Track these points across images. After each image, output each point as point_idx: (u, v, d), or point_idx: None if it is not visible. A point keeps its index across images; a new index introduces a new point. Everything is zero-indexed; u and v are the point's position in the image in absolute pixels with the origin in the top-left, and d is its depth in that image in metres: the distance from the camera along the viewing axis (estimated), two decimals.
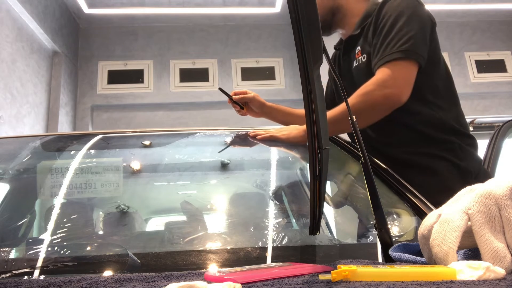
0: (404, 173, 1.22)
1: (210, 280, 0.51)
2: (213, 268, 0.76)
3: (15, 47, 3.87)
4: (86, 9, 5.03)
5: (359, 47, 1.40)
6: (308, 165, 0.63)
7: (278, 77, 5.40)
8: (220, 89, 1.61)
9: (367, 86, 1.21)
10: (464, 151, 1.31)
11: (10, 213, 1.31)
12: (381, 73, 1.21)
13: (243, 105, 1.60)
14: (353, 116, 0.82)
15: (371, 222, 0.92)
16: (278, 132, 1.33)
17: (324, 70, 0.80)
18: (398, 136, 1.34)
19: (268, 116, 1.65)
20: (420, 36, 1.22)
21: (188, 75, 5.32)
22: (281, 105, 1.67)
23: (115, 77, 5.25)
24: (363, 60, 1.37)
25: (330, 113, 1.23)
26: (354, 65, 1.43)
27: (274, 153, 1.41)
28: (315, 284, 0.48)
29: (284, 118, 1.65)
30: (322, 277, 0.51)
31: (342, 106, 1.26)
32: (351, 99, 1.22)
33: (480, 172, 1.32)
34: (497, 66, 5.59)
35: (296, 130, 1.32)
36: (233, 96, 1.58)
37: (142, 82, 5.24)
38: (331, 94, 1.65)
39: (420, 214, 0.92)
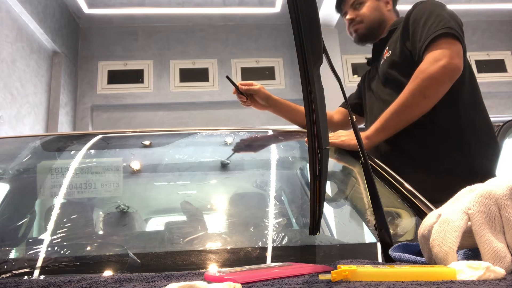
0: (405, 167, 1.23)
1: (210, 280, 0.51)
2: (213, 268, 0.76)
3: (15, 47, 3.87)
4: (86, 9, 5.03)
5: (387, 47, 1.49)
6: (308, 165, 0.63)
7: (278, 77, 5.40)
8: (227, 77, 1.60)
9: (420, 67, 1.27)
10: (476, 150, 1.32)
11: (10, 213, 1.31)
12: (429, 53, 1.27)
13: (248, 96, 1.60)
14: (353, 116, 0.82)
15: (371, 222, 0.92)
16: (337, 138, 1.30)
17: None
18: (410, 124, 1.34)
19: (273, 109, 1.64)
20: (456, 24, 1.31)
21: (188, 75, 5.33)
22: (287, 100, 1.67)
23: (115, 77, 5.26)
24: (388, 55, 1.46)
25: (388, 110, 1.30)
26: (381, 63, 1.50)
27: (274, 153, 1.41)
28: (315, 284, 0.48)
29: (289, 114, 1.65)
30: (322, 277, 0.51)
31: (398, 99, 1.29)
32: (409, 85, 1.27)
33: (489, 174, 1.31)
34: (497, 66, 5.59)
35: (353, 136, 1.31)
36: (240, 87, 1.57)
37: (142, 82, 5.25)
38: (357, 94, 1.74)
39: (420, 214, 0.92)
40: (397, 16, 1.61)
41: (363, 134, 1.32)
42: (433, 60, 1.24)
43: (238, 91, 1.58)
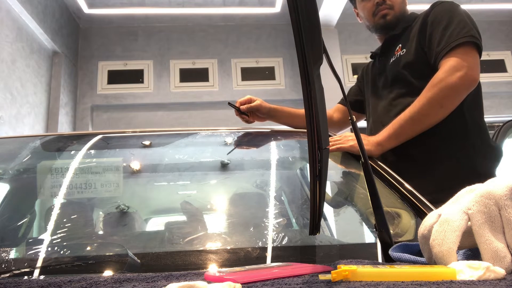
0: (407, 167, 1.23)
1: (210, 280, 0.51)
2: (213, 268, 0.76)
3: (15, 47, 3.87)
4: (86, 9, 5.03)
5: (400, 44, 1.46)
6: (308, 165, 0.63)
7: (278, 77, 5.40)
8: (229, 103, 1.60)
9: (438, 75, 1.25)
10: (480, 152, 1.32)
11: (10, 213, 1.31)
12: (448, 61, 1.26)
13: (249, 113, 1.58)
14: (353, 116, 0.82)
15: (371, 222, 0.92)
16: (345, 142, 1.27)
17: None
18: None
19: (274, 119, 1.64)
20: (477, 31, 1.31)
21: (188, 75, 5.32)
22: (285, 107, 1.67)
23: (115, 77, 5.26)
24: (402, 54, 1.43)
25: (401, 117, 1.29)
26: (391, 61, 1.47)
27: (274, 153, 1.41)
28: (315, 284, 0.48)
29: (290, 120, 1.65)
30: (322, 277, 0.51)
31: (413, 107, 1.27)
32: (426, 93, 1.25)
33: (491, 175, 1.30)
34: (497, 66, 5.59)
35: (365, 140, 1.30)
36: (241, 107, 1.56)
37: (142, 82, 5.25)
38: (356, 90, 1.71)
39: (420, 214, 0.92)
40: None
41: (374, 140, 1.31)
42: (453, 70, 1.23)
43: (240, 112, 1.57)
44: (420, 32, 1.38)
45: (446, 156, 1.31)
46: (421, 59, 1.37)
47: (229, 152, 1.39)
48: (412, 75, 1.38)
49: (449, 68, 1.24)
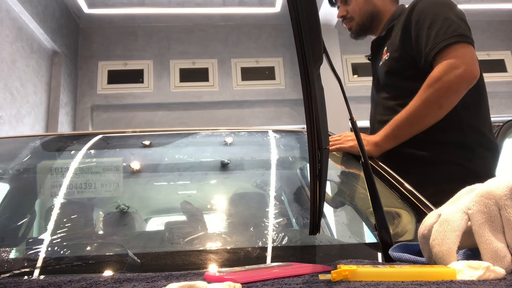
0: (404, 168, 1.22)
1: (210, 280, 0.51)
2: (213, 268, 0.76)
3: (15, 47, 3.87)
4: (86, 9, 5.03)
5: (385, 48, 1.44)
6: (308, 165, 0.63)
7: (278, 77, 5.40)
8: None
9: (435, 74, 1.21)
10: (477, 154, 1.30)
11: (10, 213, 1.31)
12: (443, 59, 1.21)
13: None
14: (354, 116, 0.82)
15: (371, 222, 0.92)
16: (344, 143, 1.26)
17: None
18: None
19: None
20: (465, 25, 1.26)
21: (188, 75, 5.32)
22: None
23: (115, 77, 5.26)
24: (386, 58, 1.41)
25: (396, 119, 1.26)
26: (380, 64, 1.46)
27: (274, 153, 1.41)
28: (315, 284, 0.48)
29: None
30: (322, 277, 0.51)
31: (410, 107, 1.24)
32: (423, 94, 1.22)
33: (490, 176, 1.29)
34: (497, 66, 5.59)
35: (364, 141, 1.28)
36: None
37: (142, 82, 5.25)
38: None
39: (420, 214, 0.92)
40: (395, 3, 1.53)
41: (372, 140, 1.30)
42: (450, 68, 1.19)
43: None
44: (403, 32, 1.34)
45: (446, 156, 1.31)
46: (405, 64, 1.34)
47: (229, 157, 1.39)
48: (399, 77, 1.36)
49: (446, 67, 1.20)
